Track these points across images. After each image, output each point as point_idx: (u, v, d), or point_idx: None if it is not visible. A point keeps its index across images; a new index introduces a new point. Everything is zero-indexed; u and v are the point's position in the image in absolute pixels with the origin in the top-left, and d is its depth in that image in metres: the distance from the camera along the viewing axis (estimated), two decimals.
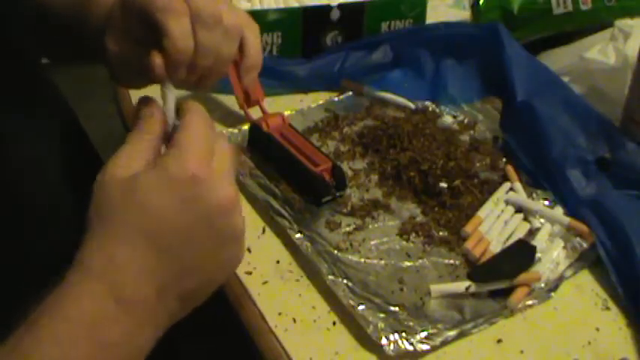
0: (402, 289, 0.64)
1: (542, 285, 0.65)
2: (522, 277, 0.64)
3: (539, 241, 0.69)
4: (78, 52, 0.71)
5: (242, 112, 0.81)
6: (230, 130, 0.81)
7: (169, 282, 0.45)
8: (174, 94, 0.53)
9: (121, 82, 0.66)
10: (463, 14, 1.01)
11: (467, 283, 0.64)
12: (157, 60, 0.53)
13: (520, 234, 0.70)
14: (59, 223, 0.60)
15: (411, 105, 0.86)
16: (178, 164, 0.46)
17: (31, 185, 0.57)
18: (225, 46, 0.55)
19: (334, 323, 0.62)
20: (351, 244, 0.68)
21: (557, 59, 0.91)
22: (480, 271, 0.65)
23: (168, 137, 0.50)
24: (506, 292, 0.64)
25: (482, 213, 0.71)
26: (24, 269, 0.56)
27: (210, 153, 0.47)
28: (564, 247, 0.69)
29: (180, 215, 0.45)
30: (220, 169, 0.47)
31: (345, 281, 0.64)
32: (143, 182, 0.46)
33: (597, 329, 0.62)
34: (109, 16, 0.57)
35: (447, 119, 0.84)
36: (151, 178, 0.46)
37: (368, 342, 0.60)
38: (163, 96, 0.53)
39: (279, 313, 0.62)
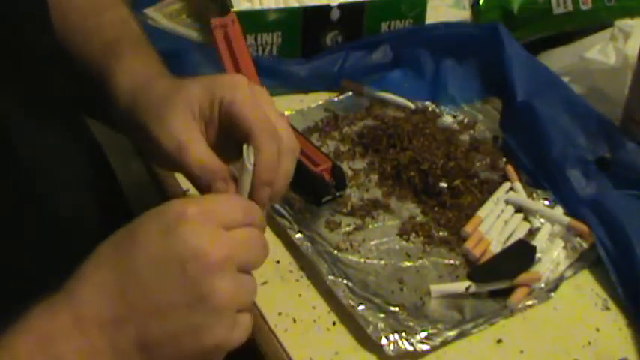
0: (402, 289, 0.64)
1: (542, 285, 0.65)
2: (522, 277, 0.64)
3: (539, 241, 0.69)
4: (99, 112, 0.71)
5: None
6: None
7: (129, 314, 0.44)
8: (250, 176, 0.55)
9: (153, 162, 0.69)
10: (463, 14, 1.01)
11: (467, 283, 0.64)
12: (230, 187, 0.55)
13: (520, 234, 0.70)
14: (59, 223, 0.60)
15: (411, 105, 0.86)
16: (179, 202, 0.46)
17: (38, 186, 0.57)
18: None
19: (334, 323, 0.62)
20: (351, 244, 0.68)
21: (557, 59, 0.91)
22: (480, 271, 0.65)
23: None
24: (506, 292, 0.64)
25: (482, 213, 0.71)
26: (24, 269, 0.56)
27: (217, 217, 0.46)
28: (564, 247, 0.69)
29: (153, 243, 0.45)
30: (221, 233, 0.46)
31: (345, 281, 0.64)
32: (147, 213, 0.46)
33: (597, 329, 0.62)
34: (162, 101, 0.58)
35: (447, 119, 0.84)
36: (155, 209, 0.46)
37: (368, 342, 0.60)
38: (241, 173, 0.55)
39: (279, 313, 0.62)
